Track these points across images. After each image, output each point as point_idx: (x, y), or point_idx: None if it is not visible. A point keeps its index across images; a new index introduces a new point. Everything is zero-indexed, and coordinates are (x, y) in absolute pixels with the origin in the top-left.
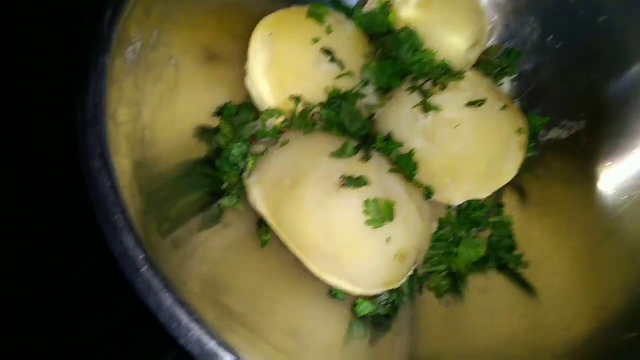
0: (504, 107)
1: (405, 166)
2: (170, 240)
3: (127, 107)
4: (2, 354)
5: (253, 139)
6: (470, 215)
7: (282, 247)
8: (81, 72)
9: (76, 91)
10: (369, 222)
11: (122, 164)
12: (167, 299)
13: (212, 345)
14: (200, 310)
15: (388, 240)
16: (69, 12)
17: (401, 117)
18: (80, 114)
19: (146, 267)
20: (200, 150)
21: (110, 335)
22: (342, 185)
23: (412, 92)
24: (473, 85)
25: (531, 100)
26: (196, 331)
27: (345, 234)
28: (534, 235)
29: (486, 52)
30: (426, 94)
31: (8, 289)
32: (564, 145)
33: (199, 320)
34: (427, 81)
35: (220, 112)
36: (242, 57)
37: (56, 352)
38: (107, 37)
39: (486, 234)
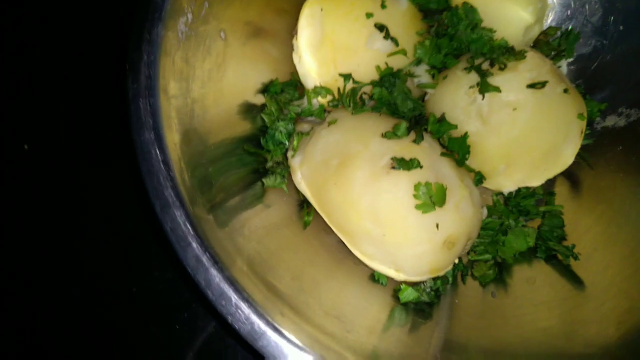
0: (566, 90)
1: (457, 150)
2: (216, 217)
3: (178, 80)
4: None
5: (298, 118)
6: (519, 203)
7: (324, 229)
8: (134, 41)
9: (129, 61)
10: (418, 207)
11: (173, 138)
12: (216, 276)
13: (260, 325)
14: (248, 290)
15: (437, 226)
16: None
17: (456, 98)
18: (132, 85)
19: (196, 242)
20: (246, 127)
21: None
22: (392, 167)
23: (469, 72)
24: (535, 66)
25: (588, 85)
26: (244, 309)
27: (393, 217)
28: (585, 226)
29: (544, 33)
30: (485, 74)
31: (56, 257)
32: (621, 133)
33: (248, 299)
34: (485, 60)
35: (265, 89)
36: (288, 33)
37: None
38: (160, 7)
39: (535, 223)
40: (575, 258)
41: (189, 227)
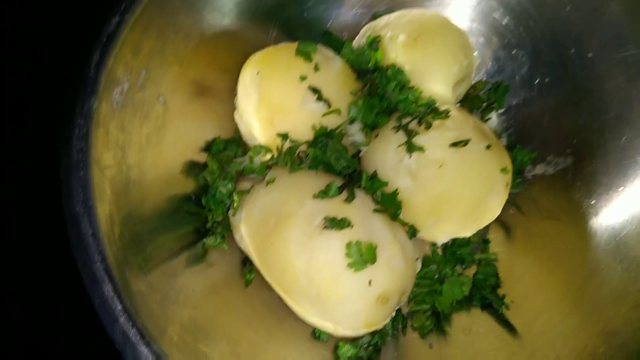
0: (489, 147)
1: (389, 205)
2: (152, 285)
3: (113, 149)
4: None
5: (240, 175)
6: (455, 252)
7: (266, 287)
8: (67, 115)
9: (61, 135)
10: (350, 265)
11: (105, 209)
12: (143, 351)
13: None
14: None
15: (370, 282)
16: (55, 54)
17: (386, 156)
18: (64, 158)
19: (124, 318)
20: (188, 187)
21: None
22: (325, 227)
23: (397, 131)
24: (458, 124)
25: (519, 135)
26: None
27: (327, 276)
28: (519, 273)
29: (474, 87)
30: (410, 133)
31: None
32: (551, 181)
33: None
34: (412, 120)
35: (208, 148)
36: (232, 91)
37: None
38: (93, 80)
39: (472, 271)
40: (507, 307)
41: (117, 302)
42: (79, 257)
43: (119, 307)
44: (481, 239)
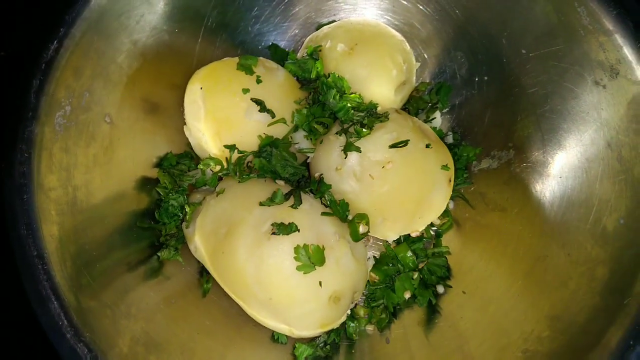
0: (428, 145)
1: (336, 208)
2: (102, 301)
3: (57, 172)
4: None
5: (192, 188)
6: (408, 247)
7: (224, 295)
8: (8, 140)
9: (3, 159)
10: (299, 268)
11: (50, 230)
12: None
13: None
14: None
15: (320, 284)
16: None
17: (330, 160)
18: (6, 182)
19: (71, 334)
20: (141, 203)
21: None
22: (273, 233)
23: (340, 135)
24: (397, 126)
25: (464, 132)
26: None
27: (278, 280)
28: (469, 264)
29: (417, 89)
30: (350, 137)
31: None
32: (495, 174)
33: None
34: (353, 124)
35: (159, 164)
36: (181, 106)
37: None
38: (34, 106)
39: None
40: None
41: (64, 319)
42: (25, 276)
43: (66, 323)
44: (434, 234)
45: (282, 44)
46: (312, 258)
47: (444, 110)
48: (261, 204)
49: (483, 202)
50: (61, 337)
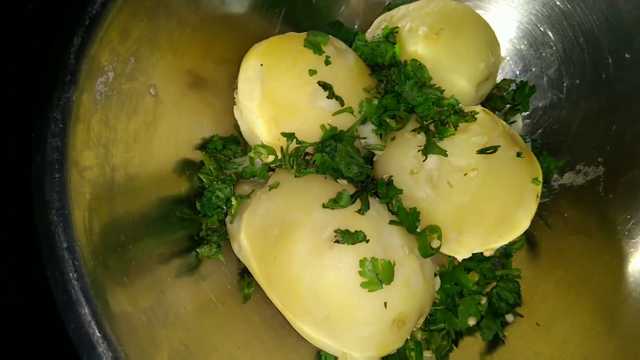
0: (519, 154)
1: (406, 217)
2: (137, 305)
3: (94, 148)
4: None
5: (239, 178)
6: (473, 267)
7: (266, 302)
8: (41, 108)
9: (34, 130)
10: (364, 285)
11: (84, 218)
12: None
13: None
14: None
15: (385, 305)
16: (28, 36)
17: (404, 162)
18: (37, 157)
19: (104, 346)
20: (180, 189)
21: None
22: (336, 241)
23: (418, 133)
24: (486, 128)
25: (545, 140)
26: None
27: (338, 297)
28: (544, 292)
29: (498, 87)
30: (432, 137)
31: None
32: (580, 192)
33: None
34: (434, 121)
35: (204, 146)
36: (231, 84)
37: None
38: (73, 68)
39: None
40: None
41: (95, 328)
42: (52, 274)
43: (98, 333)
44: (503, 253)
45: (347, 23)
46: (380, 275)
47: (524, 114)
48: (324, 205)
49: (563, 222)
50: (92, 349)
